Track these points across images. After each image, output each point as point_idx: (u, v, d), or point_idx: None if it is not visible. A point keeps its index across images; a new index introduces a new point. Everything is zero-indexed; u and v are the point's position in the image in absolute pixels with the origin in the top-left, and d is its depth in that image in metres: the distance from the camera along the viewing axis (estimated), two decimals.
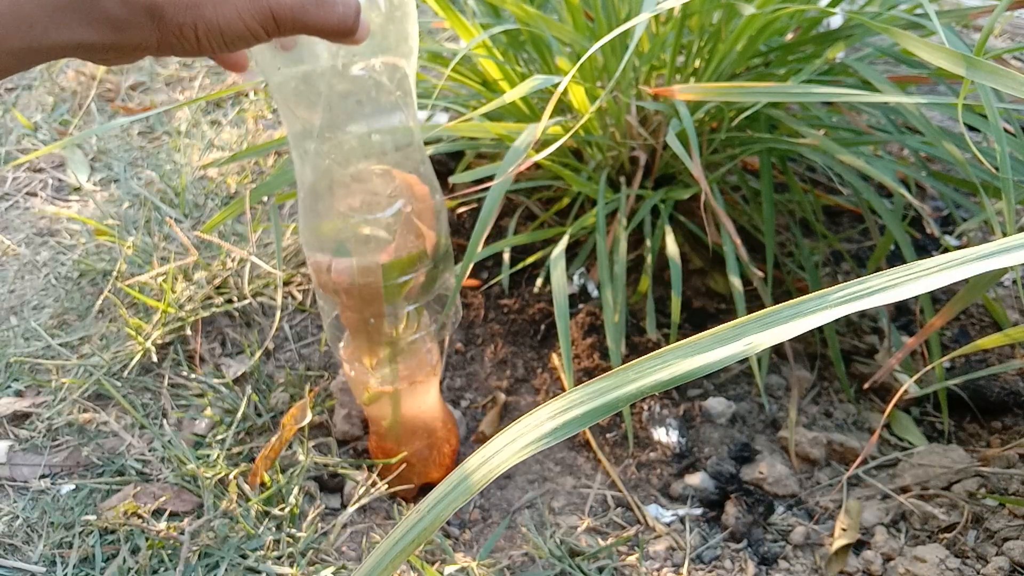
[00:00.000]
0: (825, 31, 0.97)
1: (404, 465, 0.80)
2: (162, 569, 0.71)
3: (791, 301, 0.31)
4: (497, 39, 0.96)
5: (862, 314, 0.98)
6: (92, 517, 0.74)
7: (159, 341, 0.91)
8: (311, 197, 0.64)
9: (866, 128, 0.96)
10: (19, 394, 0.87)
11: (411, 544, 0.32)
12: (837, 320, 0.96)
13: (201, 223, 1.09)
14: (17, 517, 0.75)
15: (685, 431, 0.87)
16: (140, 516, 0.75)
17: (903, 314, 0.98)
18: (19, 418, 0.85)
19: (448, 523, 0.79)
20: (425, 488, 0.82)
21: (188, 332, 0.92)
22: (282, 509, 0.76)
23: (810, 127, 0.90)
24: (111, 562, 0.71)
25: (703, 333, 0.32)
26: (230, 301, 0.96)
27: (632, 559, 0.74)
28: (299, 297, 0.99)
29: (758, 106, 0.85)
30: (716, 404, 0.88)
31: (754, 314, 0.32)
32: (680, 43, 0.94)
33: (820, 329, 0.94)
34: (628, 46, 0.71)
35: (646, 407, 0.88)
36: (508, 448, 0.32)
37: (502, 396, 0.92)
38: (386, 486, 0.79)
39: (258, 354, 0.91)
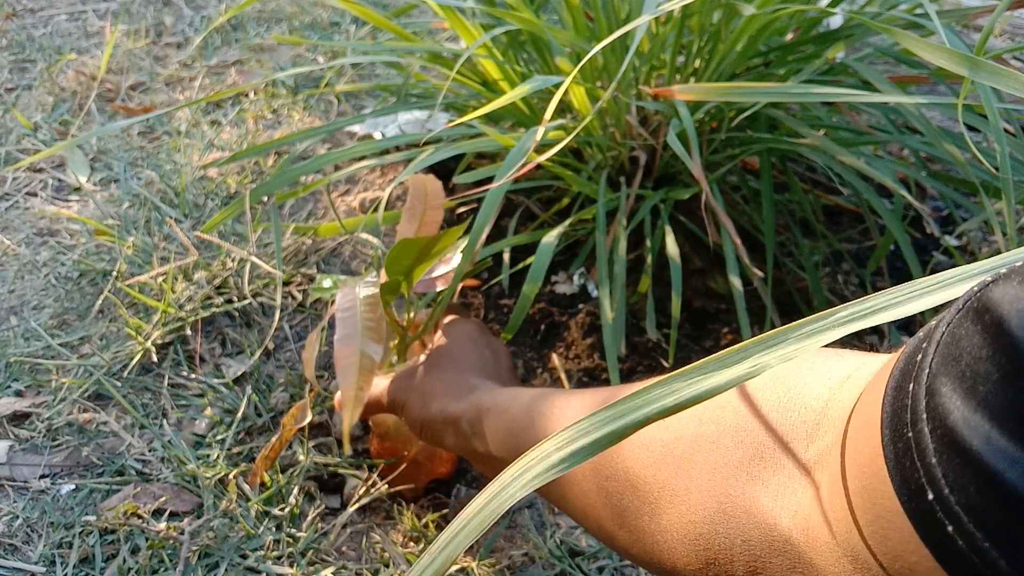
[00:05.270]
0: (825, 31, 0.97)
1: (411, 464, 0.79)
2: (162, 569, 0.71)
3: (796, 322, 0.31)
4: (497, 39, 0.96)
5: None
6: (92, 517, 0.74)
7: (159, 341, 0.91)
8: None
9: (866, 128, 0.96)
10: (19, 394, 0.87)
11: None
12: None
13: (201, 223, 1.09)
14: (17, 517, 0.75)
15: None
16: (140, 516, 0.75)
17: None
18: (19, 418, 0.85)
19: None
20: (434, 483, 0.82)
21: (188, 332, 0.92)
22: (282, 509, 0.76)
23: (810, 127, 0.90)
24: (111, 562, 0.71)
25: (707, 358, 0.32)
26: (230, 301, 0.96)
27: None
28: (299, 297, 0.99)
29: (758, 106, 0.85)
30: None
31: (758, 337, 0.32)
32: (680, 43, 0.94)
33: None
34: (629, 47, 0.71)
35: None
36: (516, 482, 0.32)
37: None
38: (386, 486, 0.79)
39: (257, 353, 0.91)
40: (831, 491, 0.32)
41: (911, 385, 0.27)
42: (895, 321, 0.97)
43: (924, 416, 0.26)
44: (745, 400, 0.39)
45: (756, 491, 0.36)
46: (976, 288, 0.27)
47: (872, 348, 0.94)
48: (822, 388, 0.35)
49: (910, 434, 0.26)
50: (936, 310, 0.30)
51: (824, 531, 0.32)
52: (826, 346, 0.32)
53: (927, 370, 0.27)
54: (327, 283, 0.83)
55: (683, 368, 0.32)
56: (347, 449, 0.67)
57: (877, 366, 0.32)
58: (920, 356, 0.27)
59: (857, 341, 0.95)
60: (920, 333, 0.29)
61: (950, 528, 0.25)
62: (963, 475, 0.24)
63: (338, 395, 0.75)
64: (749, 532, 0.36)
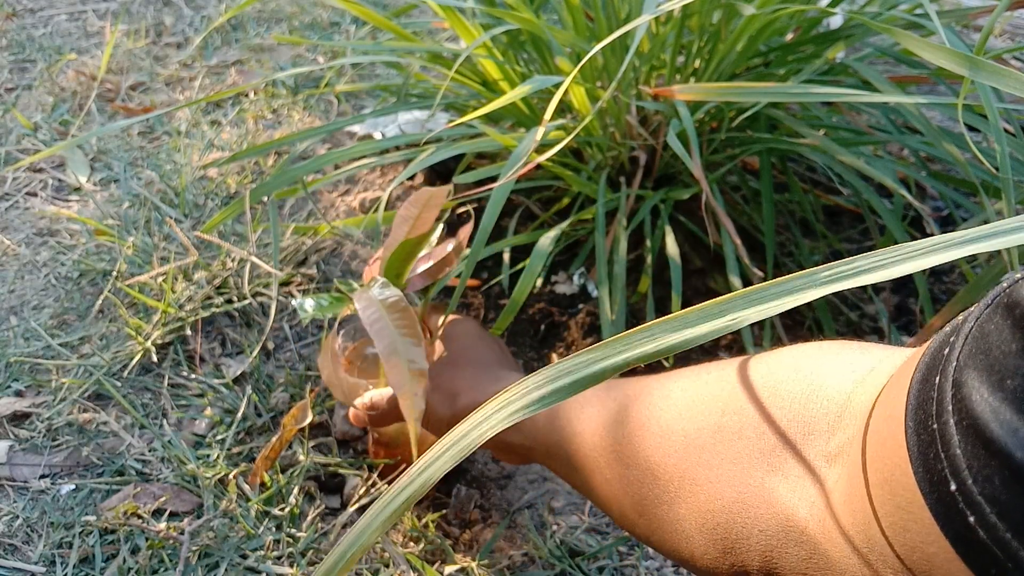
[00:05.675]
0: (825, 31, 0.97)
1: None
2: (162, 569, 0.71)
3: (778, 279, 0.32)
4: (497, 39, 0.96)
5: (862, 314, 0.98)
6: (92, 517, 0.74)
7: (159, 341, 0.91)
8: None
9: (866, 128, 0.96)
10: (19, 394, 0.87)
11: (401, 507, 0.32)
12: (837, 320, 0.96)
13: (201, 223, 1.09)
14: (17, 517, 0.75)
15: None
16: (140, 516, 0.75)
17: (903, 314, 0.98)
18: (19, 418, 0.85)
19: (448, 523, 0.79)
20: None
21: (188, 332, 0.92)
22: (282, 509, 0.76)
23: (810, 127, 0.90)
24: (111, 562, 0.71)
25: (689, 308, 0.32)
26: (230, 301, 0.96)
27: (632, 559, 0.75)
28: (299, 297, 0.99)
29: (758, 106, 0.85)
30: None
31: (740, 291, 0.32)
32: (680, 43, 0.94)
33: (820, 329, 0.94)
34: (629, 47, 0.71)
35: None
36: (497, 415, 0.33)
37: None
38: (387, 486, 0.79)
39: (256, 351, 0.91)
40: (851, 483, 0.32)
41: (937, 378, 0.27)
42: (895, 321, 0.97)
43: (950, 408, 0.26)
44: (768, 392, 0.38)
45: (775, 482, 0.36)
46: (1006, 284, 0.27)
47: None
48: (845, 381, 0.35)
49: (935, 426, 0.26)
50: (931, 308, 0.30)
51: (842, 522, 0.32)
52: (848, 340, 0.32)
53: (954, 363, 0.27)
54: (309, 304, 0.76)
55: (665, 317, 0.32)
56: (415, 457, 0.61)
57: (901, 359, 0.33)
58: (947, 350, 0.27)
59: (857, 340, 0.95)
60: (947, 328, 0.29)
61: (971, 519, 0.25)
62: (988, 466, 0.24)
63: (359, 401, 0.73)
64: (766, 522, 0.36)
